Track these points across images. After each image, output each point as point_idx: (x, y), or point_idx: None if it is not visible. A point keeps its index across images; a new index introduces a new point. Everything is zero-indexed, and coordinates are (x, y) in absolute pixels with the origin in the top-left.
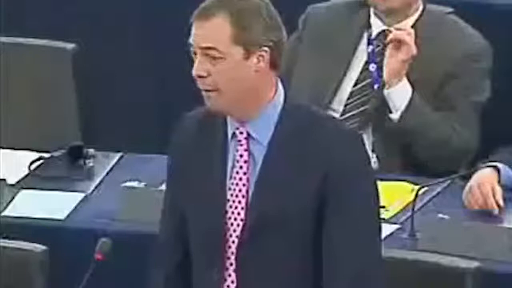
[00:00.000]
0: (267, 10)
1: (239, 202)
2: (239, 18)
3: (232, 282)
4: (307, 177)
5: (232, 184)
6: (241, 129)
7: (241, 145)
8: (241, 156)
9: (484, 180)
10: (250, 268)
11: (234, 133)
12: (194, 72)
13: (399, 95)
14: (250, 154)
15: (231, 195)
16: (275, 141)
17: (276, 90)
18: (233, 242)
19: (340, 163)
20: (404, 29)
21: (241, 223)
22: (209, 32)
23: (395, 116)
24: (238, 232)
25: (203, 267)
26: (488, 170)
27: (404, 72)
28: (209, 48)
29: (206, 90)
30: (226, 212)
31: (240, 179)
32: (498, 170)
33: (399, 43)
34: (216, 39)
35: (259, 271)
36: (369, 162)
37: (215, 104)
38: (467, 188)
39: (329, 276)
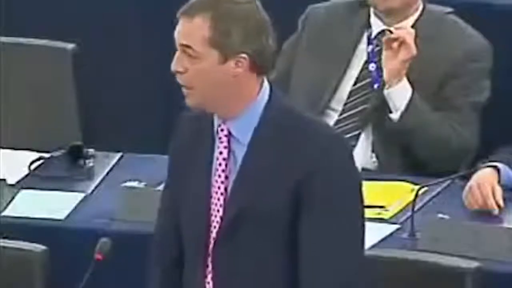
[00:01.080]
0: (254, 17)
1: (218, 199)
2: (219, 23)
3: (212, 278)
4: (285, 177)
5: (215, 181)
6: (223, 126)
7: (221, 142)
8: (220, 153)
9: (484, 180)
10: (227, 265)
11: (217, 130)
12: (172, 67)
13: (399, 95)
14: (230, 152)
15: (213, 191)
16: (255, 140)
17: (259, 91)
18: (213, 238)
19: (316, 164)
20: (405, 29)
21: (220, 220)
22: (188, 31)
23: (395, 116)
24: (217, 229)
25: (190, 264)
26: (488, 170)
27: (404, 72)
28: (186, 46)
29: (183, 86)
30: (210, 208)
31: (219, 176)
32: (498, 170)
33: (399, 43)
34: (193, 38)
35: (235, 268)
36: (351, 163)
37: (191, 100)
38: (467, 188)
39: (305, 277)
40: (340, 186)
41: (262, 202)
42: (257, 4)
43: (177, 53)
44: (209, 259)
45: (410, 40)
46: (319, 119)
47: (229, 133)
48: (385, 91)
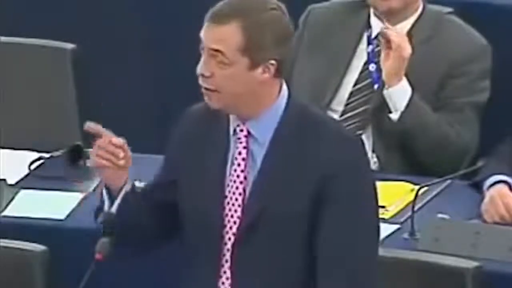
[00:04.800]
0: (282, 24)
1: (236, 199)
2: (251, 30)
3: (227, 278)
4: (304, 178)
5: (231, 181)
6: (242, 126)
7: (241, 142)
8: (239, 153)
9: (506, 193)
10: (245, 265)
11: (235, 130)
12: (198, 70)
13: (399, 95)
14: (249, 152)
15: (229, 192)
16: (275, 141)
17: (279, 92)
18: (229, 239)
19: (337, 165)
20: (394, 31)
21: (237, 221)
22: (219, 37)
23: (395, 116)
24: (234, 230)
25: (199, 262)
26: (502, 185)
27: (403, 72)
28: (217, 51)
29: (206, 89)
30: (224, 208)
31: (238, 176)
32: (509, 185)
33: (389, 43)
34: (225, 45)
35: (253, 269)
36: (368, 165)
37: (213, 103)
38: (487, 201)
39: (323, 277)
40: (359, 185)
41: (283, 202)
42: (283, 9)
43: (204, 57)
44: (224, 258)
45: (399, 40)
46: (334, 119)
47: (248, 133)
48: (385, 91)
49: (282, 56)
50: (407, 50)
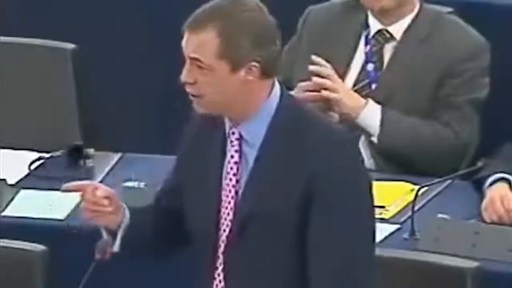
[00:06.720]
0: (259, 24)
1: (229, 202)
2: (227, 34)
3: (220, 281)
4: (294, 179)
5: (226, 184)
6: (234, 129)
7: (233, 146)
8: (232, 156)
9: (505, 193)
10: (237, 268)
11: (229, 133)
12: (181, 78)
13: (369, 120)
14: (242, 155)
15: (224, 195)
16: (266, 143)
17: (270, 93)
18: (223, 241)
19: (327, 166)
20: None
21: (230, 224)
22: (196, 44)
23: (375, 139)
24: (227, 232)
25: (198, 264)
26: (503, 184)
27: (358, 102)
28: (195, 59)
29: (192, 95)
30: (219, 211)
31: (231, 179)
32: (509, 183)
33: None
34: (202, 52)
35: (245, 271)
36: (359, 167)
37: (200, 108)
38: (487, 200)
39: (314, 278)
40: (349, 186)
41: (273, 204)
42: (262, 9)
43: (187, 65)
44: (219, 261)
45: (332, 83)
46: (329, 119)
47: (240, 136)
48: (357, 121)
49: (264, 57)
50: (334, 92)
